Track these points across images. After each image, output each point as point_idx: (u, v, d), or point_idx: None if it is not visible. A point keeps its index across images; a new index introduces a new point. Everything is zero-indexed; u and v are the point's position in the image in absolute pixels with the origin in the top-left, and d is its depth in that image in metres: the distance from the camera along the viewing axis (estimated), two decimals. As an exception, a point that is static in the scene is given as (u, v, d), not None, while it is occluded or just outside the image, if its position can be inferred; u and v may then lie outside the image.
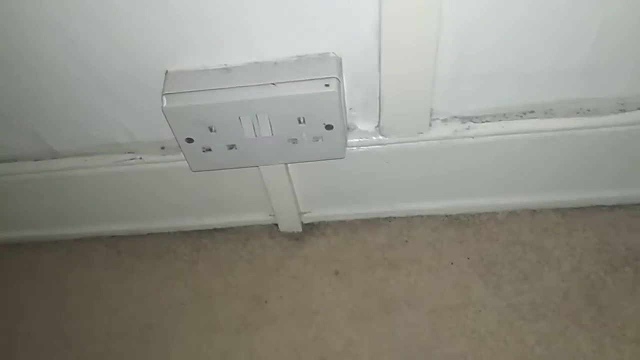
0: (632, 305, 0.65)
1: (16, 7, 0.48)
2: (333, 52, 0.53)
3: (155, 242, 0.77)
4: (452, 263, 0.70)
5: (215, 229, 0.77)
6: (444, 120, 0.61)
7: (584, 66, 0.55)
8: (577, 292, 0.67)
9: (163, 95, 0.53)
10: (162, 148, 0.65)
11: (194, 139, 0.57)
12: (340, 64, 0.53)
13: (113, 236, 0.79)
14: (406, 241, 0.72)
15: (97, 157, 0.66)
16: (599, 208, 0.72)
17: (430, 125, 0.61)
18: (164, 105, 0.53)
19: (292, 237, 0.75)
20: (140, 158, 0.65)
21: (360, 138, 0.62)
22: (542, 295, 0.67)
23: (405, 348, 0.65)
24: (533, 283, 0.68)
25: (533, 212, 0.73)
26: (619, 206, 0.72)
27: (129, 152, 0.65)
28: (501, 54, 0.53)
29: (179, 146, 0.58)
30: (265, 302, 0.70)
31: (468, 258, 0.70)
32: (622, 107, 0.60)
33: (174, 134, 0.56)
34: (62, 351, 0.71)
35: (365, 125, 0.62)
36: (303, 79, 0.52)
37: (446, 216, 0.74)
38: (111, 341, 0.71)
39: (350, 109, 0.60)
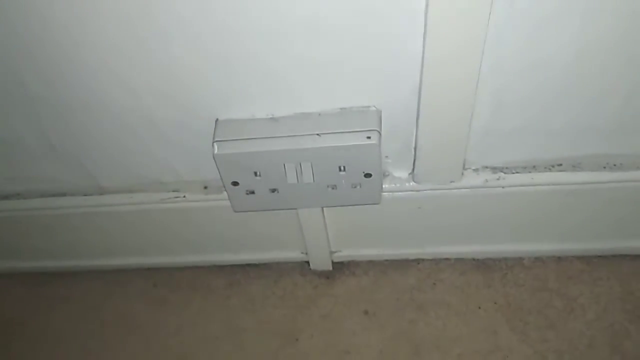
0: (657, 355, 0.67)
1: (82, 58, 0.52)
2: (374, 106, 0.56)
3: (190, 276, 0.80)
4: (479, 307, 0.72)
5: (248, 265, 0.80)
6: (476, 170, 0.64)
7: (611, 124, 0.58)
8: (601, 340, 0.68)
9: (214, 142, 0.56)
10: (205, 187, 0.68)
11: (239, 182, 0.60)
12: (380, 117, 0.56)
13: (149, 268, 0.81)
14: (434, 284, 0.74)
15: (142, 194, 0.69)
16: (622, 257, 0.74)
17: (462, 174, 0.64)
18: (215, 151, 0.56)
19: (323, 275, 0.78)
20: (184, 196, 0.69)
21: (395, 184, 0.65)
22: (567, 342, 0.68)
23: (433, 390, 0.67)
24: (559, 330, 0.69)
25: (558, 259, 0.75)
26: (643, 256, 0.74)
27: (173, 191, 0.68)
28: (532, 111, 0.56)
29: (224, 188, 0.61)
30: (297, 340, 0.72)
31: (495, 303, 0.72)
32: (647, 163, 0.62)
33: (221, 177, 0.59)
34: (98, 380, 0.74)
35: (399, 172, 0.65)
36: (346, 130, 0.56)
37: (473, 260, 0.76)
38: (146, 372, 0.73)
39: (386, 157, 0.63)
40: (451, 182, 0.64)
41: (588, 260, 0.74)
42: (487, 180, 0.64)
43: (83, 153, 0.64)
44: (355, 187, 0.60)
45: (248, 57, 0.51)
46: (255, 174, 0.59)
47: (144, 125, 0.59)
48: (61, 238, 0.77)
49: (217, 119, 0.58)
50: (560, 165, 0.63)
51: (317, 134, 0.56)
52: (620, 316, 0.70)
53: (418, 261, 0.77)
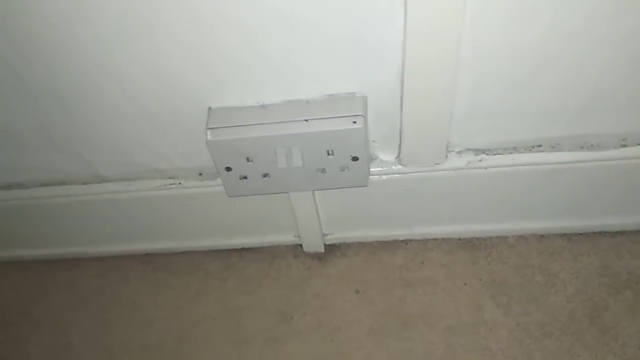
0: (633, 325, 0.70)
1: (77, 51, 0.54)
2: (360, 92, 0.59)
3: (187, 260, 0.83)
4: (465, 284, 0.75)
5: (243, 248, 0.83)
6: (459, 152, 0.67)
7: (586, 105, 0.60)
8: (581, 312, 0.72)
9: (207, 129, 0.59)
10: (200, 174, 0.70)
11: (232, 168, 0.62)
12: (366, 102, 0.59)
13: (148, 254, 0.84)
14: (422, 263, 0.77)
15: (139, 181, 0.72)
16: (602, 234, 0.77)
17: (446, 156, 0.66)
18: (208, 138, 0.59)
19: (315, 257, 0.81)
20: (180, 183, 0.71)
21: (382, 167, 0.68)
22: (549, 315, 0.72)
23: (421, 363, 0.70)
24: (540, 304, 0.73)
25: (541, 237, 0.78)
26: (621, 232, 0.77)
27: (169, 178, 0.71)
28: (511, 95, 0.59)
29: (218, 174, 0.64)
30: (291, 317, 0.76)
31: (480, 279, 0.75)
32: (623, 143, 0.65)
33: (214, 163, 0.62)
34: (100, 361, 0.77)
35: (386, 156, 0.67)
36: (333, 116, 0.58)
37: (459, 239, 0.79)
38: (147, 353, 0.76)
39: (373, 141, 0.65)
40: (435, 164, 0.67)
41: (569, 237, 0.77)
42: (469, 162, 0.67)
43: (81, 143, 0.66)
44: (343, 170, 0.63)
45: (234, 49, 0.53)
46: (248, 159, 0.61)
47: (139, 115, 0.62)
48: (61, 226, 0.79)
49: (209, 107, 0.60)
50: (540, 146, 0.66)
51: (306, 120, 0.58)
52: (599, 290, 0.73)
53: (406, 242, 0.80)
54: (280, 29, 0.51)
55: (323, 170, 0.63)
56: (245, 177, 0.64)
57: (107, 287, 0.83)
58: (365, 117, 0.58)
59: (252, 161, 0.62)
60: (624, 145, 0.65)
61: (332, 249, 0.81)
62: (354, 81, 0.57)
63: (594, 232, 0.77)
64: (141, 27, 0.51)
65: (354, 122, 0.58)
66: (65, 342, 0.79)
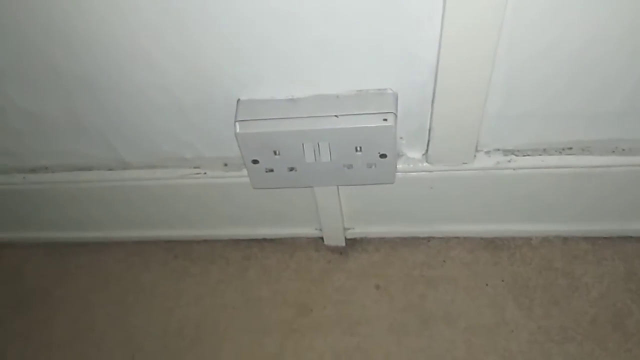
0: (657, 333, 0.69)
1: (111, 38, 0.54)
2: (390, 89, 0.58)
3: (208, 248, 0.83)
4: (487, 284, 0.75)
5: (264, 239, 0.83)
6: (488, 152, 0.66)
7: (621, 109, 0.59)
8: (604, 318, 0.71)
9: (236, 122, 0.58)
10: (225, 165, 0.70)
11: (259, 160, 0.62)
12: (397, 99, 0.58)
13: (170, 241, 0.85)
14: (444, 261, 0.77)
15: (165, 169, 0.72)
16: (627, 239, 0.77)
17: (474, 156, 0.65)
18: (237, 131, 0.58)
19: (336, 250, 0.81)
20: (205, 173, 0.71)
21: (408, 164, 0.67)
22: (571, 319, 0.71)
23: (440, 361, 0.70)
24: (563, 307, 0.72)
25: (565, 239, 0.77)
26: (647, 237, 0.76)
27: (194, 167, 0.71)
28: (544, 95, 0.58)
29: (245, 166, 0.64)
30: (311, 310, 0.76)
31: (502, 280, 0.75)
32: (655, 148, 0.64)
33: (242, 155, 0.62)
34: (123, 345, 0.77)
35: (413, 153, 0.67)
36: (363, 112, 0.57)
37: (482, 239, 0.79)
38: (167, 338, 0.77)
39: (401, 138, 0.65)
40: (463, 163, 0.66)
41: (593, 241, 0.77)
42: (498, 163, 0.66)
43: (109, 129, 0.66)
44: (370, 167, 0.62)
45: (266, 40, 0.53)
46: (275, 152, 0.61)
47: (168, 104, 0.61)
48: (85, 210, 0.80)
49: (238, 99, 0.60)
50: (571, 149, 0.65)
51: (335, 116, 0.58)
52: (623, 295, 0.72)
53: (428, 239, 0.79)
54: (315, 21, 0.51)
55: (350, 167, 0.62)
56: (272, 170, 0.64)
57: (129, 271, 0.84)
58: (395, 115, 0.57)
59: (279, 155, 0.61)
60: (656, 151, 0.64)
61: (352, 243, 0.81)
62: (386, 77, 0.57)
63: (619, 236, 0.77)
64: (173, 16, 0.51)
65: (385, 120, 0.57)
66: (88, 324, 0.80)
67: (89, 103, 0.62)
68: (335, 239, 0.81)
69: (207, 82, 0.58)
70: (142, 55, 0.55)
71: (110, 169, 0.73)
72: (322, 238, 0.81)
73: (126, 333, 0.78)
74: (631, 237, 0.76)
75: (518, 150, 0.65)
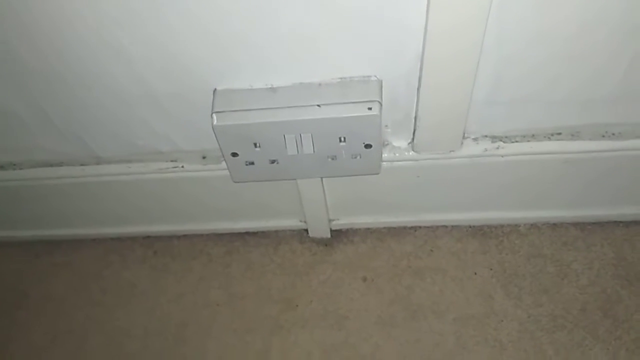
0: (647, 319, 0.69)
1: (77, 30, 0.50)
2: (375, 76, 0.55)
3: (189, 244, 0.81)
4: (475, 273, 0.73)
5: (247, 233, 0.80)
6: (475, 139, 0.64)
7: (612, 94, 0.57)
8: (594, 305, 0.70)
9: (213, 113, 0.56)
10: (204, 157, 0.68)
11: (239, 153, 0.59)
12: (381, 87, 0.56)
13: (148, 236, 0.82)
14: (431, 250, 0.75)
15: (140, 164, 0.69)
16: (616, 223, 0.76)
17: (462, 143, 0.64)
18: (215, 123, 0.55)
19: (321, 242, 0.79)
20: (182, 166, 0.68)
21: (394, 154, 0.65)
22: (560, 307, 0.70)
23: (429, 355, 0.69)
24: (552, 295, 0.71)
25: (554, 225, 0.76)
26: (635, 222, 0.75)
27: (171, 161, 0.68)
28: (533, 82, 0.56)
29: (224, 159, 0.61)
30: (296, 305, 0.74)
31: (491, 269, 0.73)
32: (645, 132, 0.63)
33: (220, 148, 0.59)
34: (102, 347, 0.75)
35: (399, 142, 0.65)
36: (346, 101, 0.55)
37: (470, 227, 0.77)
38: (148, 338, 0.74)
39: (386, 126, 0.62)
40: (450, 151, 0.64)
41: (582, 227, 0.76)
42: (486, 150, 0.64)
43: (80, 124, 0.63)
44: (355, 157, 0.60)
45: (244, 27, 0.50)
46: (255, 145, 0.58)
47: (140, 96, 0.58)
48: (58, 207, 0.77)
49: (215, 89, 0.57)
50: (560, 134, 0.63)
51: (318, 105, 0.55)
52: (613, 282, 0.71)
53: (415, 228, 0.78)
54: (295, 6, 0.48)
55: (334, 158, 0.60)
56: (252, 163, 0.61)
57: (107, 270, 0.81)
58: (380, 103, 0.55)
59: (260, 147, 0.59)
60: (646, 135, 0.63)
61: (338, 234, 0.79)
62: (370, 64, 0.54)
63: (608, 222, 0.76)
64: (147, 3, 0.48)
65: (369, 109, 0.55)
66: (66, 326, 0.77)
67: (56, 98, 0.59)
68: (320, 230, 0.78)
69: (181, 71, 0.55)
70: (113, 44, 0.52)
71: (82, 165, 0.70)
72: (306, 230, 0.79)
73: (105, 335, 0.76)
74: (620, 222, 0.75)
75: (506, 137, 0.64)
